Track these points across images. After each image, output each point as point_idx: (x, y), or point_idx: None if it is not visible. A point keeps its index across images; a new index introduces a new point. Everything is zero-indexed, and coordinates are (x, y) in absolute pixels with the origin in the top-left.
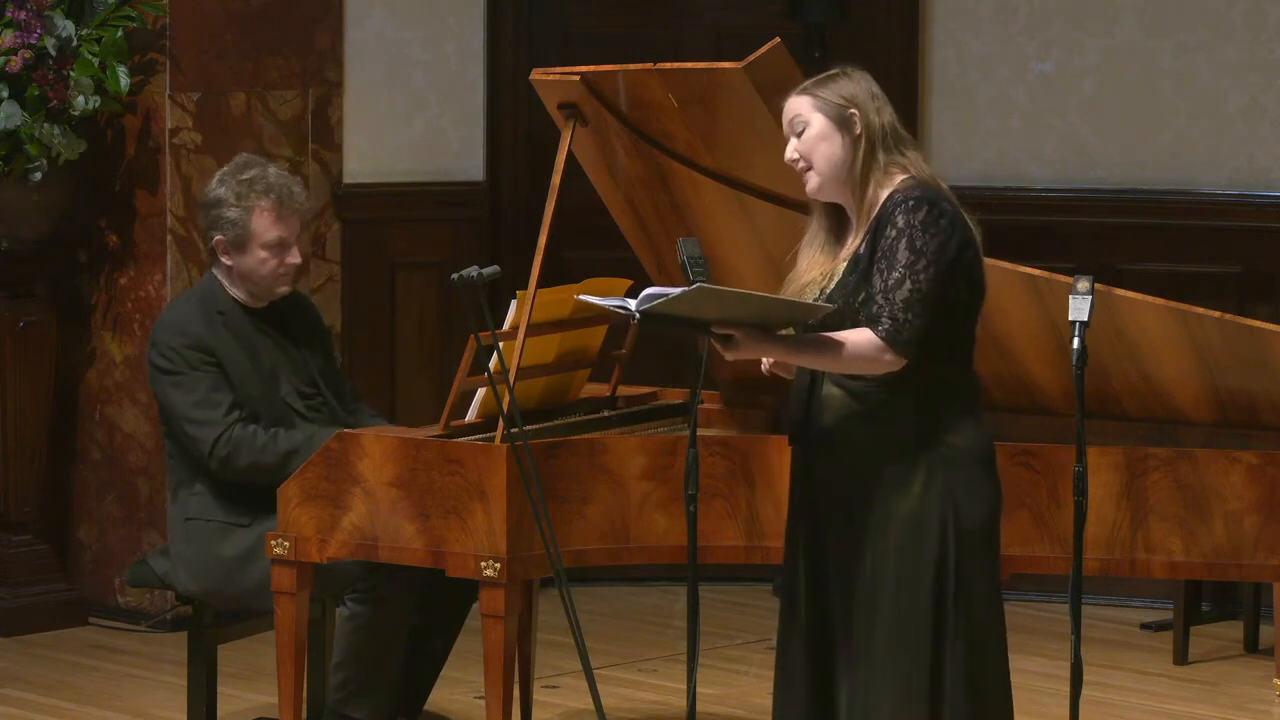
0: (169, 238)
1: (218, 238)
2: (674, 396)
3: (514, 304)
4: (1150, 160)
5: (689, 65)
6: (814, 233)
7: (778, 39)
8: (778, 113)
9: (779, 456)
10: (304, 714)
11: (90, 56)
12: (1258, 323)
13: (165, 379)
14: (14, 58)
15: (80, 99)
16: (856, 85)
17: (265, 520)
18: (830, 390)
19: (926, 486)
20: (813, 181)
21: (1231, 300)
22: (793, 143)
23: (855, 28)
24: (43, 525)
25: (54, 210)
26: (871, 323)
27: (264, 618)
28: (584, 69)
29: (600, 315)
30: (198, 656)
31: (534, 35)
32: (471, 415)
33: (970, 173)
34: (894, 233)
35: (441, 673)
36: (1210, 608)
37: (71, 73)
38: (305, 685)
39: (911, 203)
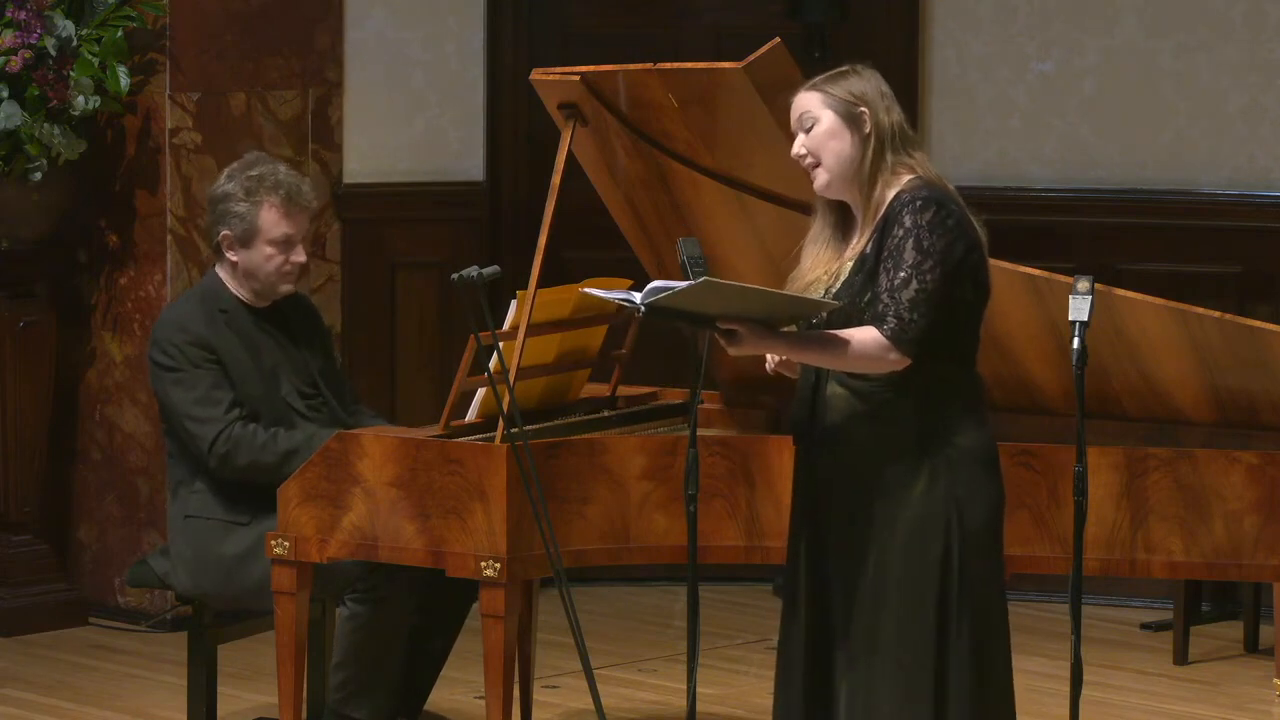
0: (169, 238)
1: (224, 232)
2: (674, 396)
3: (514, 304)
4: (1150, 160)
5: (689, 65)
6: (818, 230)
7: (778, 39)
8: (783, 110)
9: (779, 456)
10: (304, 714)
11: (90, 56)
12: (1258, 323)
13: (166, 376)
14: (14, 58)
15: (80, 99)
16: (866, 83)
17: (265, 519)
18: (834, 390)
19: (930, 487)
20: (820, 178)
21: (1231, 300)
22: (800, 138)
23: (855, 28)
24: (43, 525)
25: (54, 210)
26: (877, 321)
27: (264, 618)
28: (584, 69)
29: (600, 315)
30: (198, 656)
31: (534, 35)
32: (471, 415)
33: (970, 173)
34: (901, 232)
35: (441, 673)
36: (1210, 608)
37: (71, 73)
38: (305, 685)
39: (919, 203)
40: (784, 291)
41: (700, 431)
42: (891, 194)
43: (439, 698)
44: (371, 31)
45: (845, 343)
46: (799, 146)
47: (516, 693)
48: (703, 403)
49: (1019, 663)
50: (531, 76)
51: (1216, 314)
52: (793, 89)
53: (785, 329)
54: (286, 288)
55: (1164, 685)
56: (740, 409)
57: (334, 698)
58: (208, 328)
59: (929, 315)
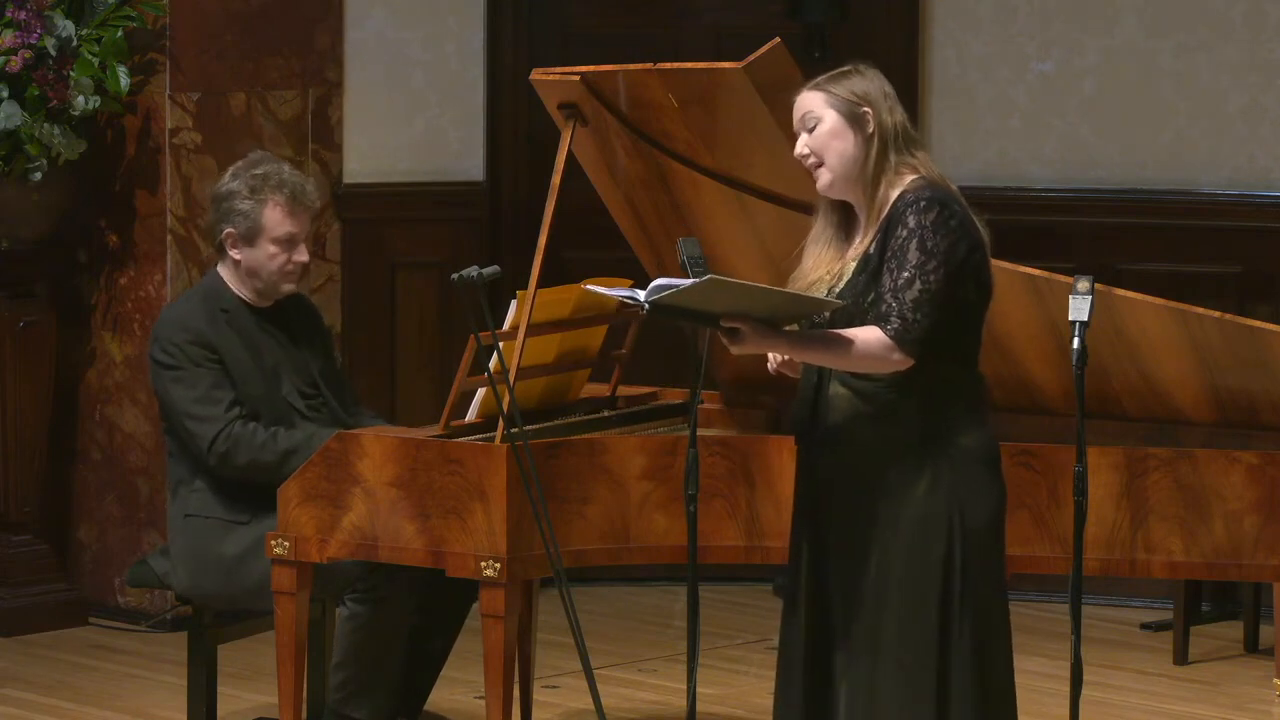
0: (169, 238)
1: (227, 230)
2: (674, 396)
3: (514, 304)
4: (1150, 160)
5: (689, 65)
6: (819, 230)
7: (778, 39)
8: (783, 109)
9: (779, 456)
10: (304, 714)
11: (90, 56)
12: (1258, 323)
13: (167, 374)
14: (14, 58)
15: (80, 99)
16: (870, 83)
17: (265, 518)
18: (837, 390)
19: (933, 487)
20: (823, 178)
21: (1231, 300)
22: (803, 138)
23: (855, 28)
24: (43, 525)
25: (54, 210)
26: (880, 321)
27: (264, 618)
28: (584, 69)
29: (600, 315)
30: (198, 656)
31: (534, 35)
32: (471, 415)
33: (970, 173)
34: (905, 233)
35: (441, 673)
36: (1210, 608)
37: (71, 73)
38: (305, 685)
39: (923, 204)
40: (788, 290)
41: (700, 431)
42: (895, 194)
43: (439, 698)
44: (371, 31)
45: (849, 342)
46: (802, 146)
47: (516, 693)
48: (703, 403)
49: (1019, 663)
50: (531, 76)
51: (1216, 314)
52: (793, 89)
53: (787, 328)
54: (288, 287)
55: (1164, 685)
56: (740, 409)
57: (334, 698)
58: (209, 326)
59: (932, 316)
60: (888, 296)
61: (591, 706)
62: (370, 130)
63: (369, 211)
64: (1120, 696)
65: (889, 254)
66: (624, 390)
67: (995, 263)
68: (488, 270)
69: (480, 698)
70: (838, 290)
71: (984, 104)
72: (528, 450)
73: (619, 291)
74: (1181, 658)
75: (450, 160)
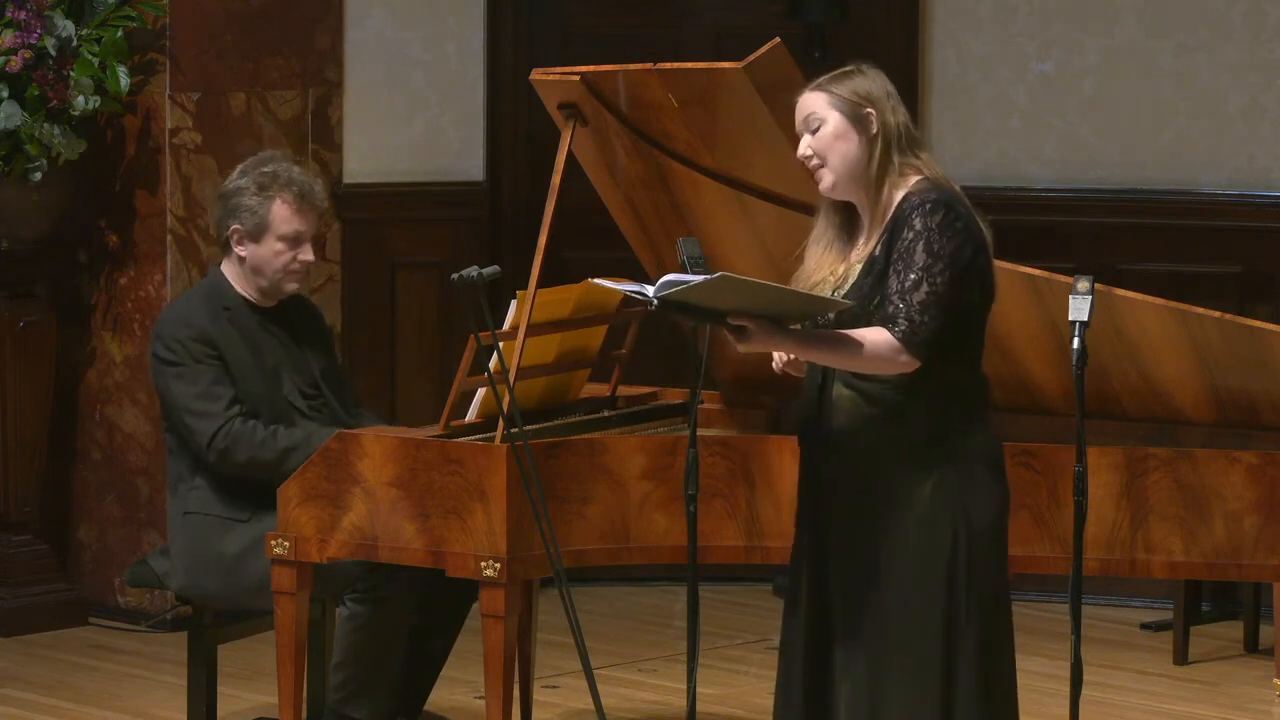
0: (169, 238)
1: (234, 226)
2: (674, 396)
3: (514, 304)
4: (1150, 160)
5: (689, 65)
6: (821, 231)
7: (778, 39)
8: (783, 110)
9: (779, 456)
10: (304, 714)
11: (90, 56)
12: (1258, 323)
13: (168, 370)
14: (14, 58)
15: (80, 99)
16: (872, 83)
17: (265, 516)
18: (841, 391)
19: (937, 488)
20: (826, 180)
21: (1231, 300)
22: (806, 139)
23: (855, 28)
24: (43, 525)
25: (54, 210)
26: (887, 323)
27: (264, 618)
28: (584, 69)
29: (600, 315)
30: (198, 656)
31: (534, 35)
32: (471, 415)
33: (970, 173)
34: (911, 235)
35: (441, 673)
36: (1210, 608)
37: (71, 73)
38: (305, 685)
39: (929, 206)
40: (798, 289)
41: (700, 431)
42: (899, 195)
43: (439, 698)
44: (371, 31)
45: (856, 343)
46: (805, 148)
47: (516, 693)
48: (703, 403)
49: (1019, 663)
50: (531, 76)
51: (1216, 314)
52: (793, 89)
53: (792, 327)
54: (292, 286)
55: (1164, 685)
56: (740, 409)
57: (334, 698)
58: (211, 324)
59: (939, 318)
60: (895, 298)
61: (591, 706)
62: (370, 130)
63: (369, 211)
64: (1120, 696)
65: (895, 256)
66: (624, 390)
67: (995, 263)
68: (488, 270)
69: (480, 698)
70: (843, 292)
71: (984, 104)
72: (528, 450)
73: (627, 286)
74: (1181, 658)
75: (450, 160)
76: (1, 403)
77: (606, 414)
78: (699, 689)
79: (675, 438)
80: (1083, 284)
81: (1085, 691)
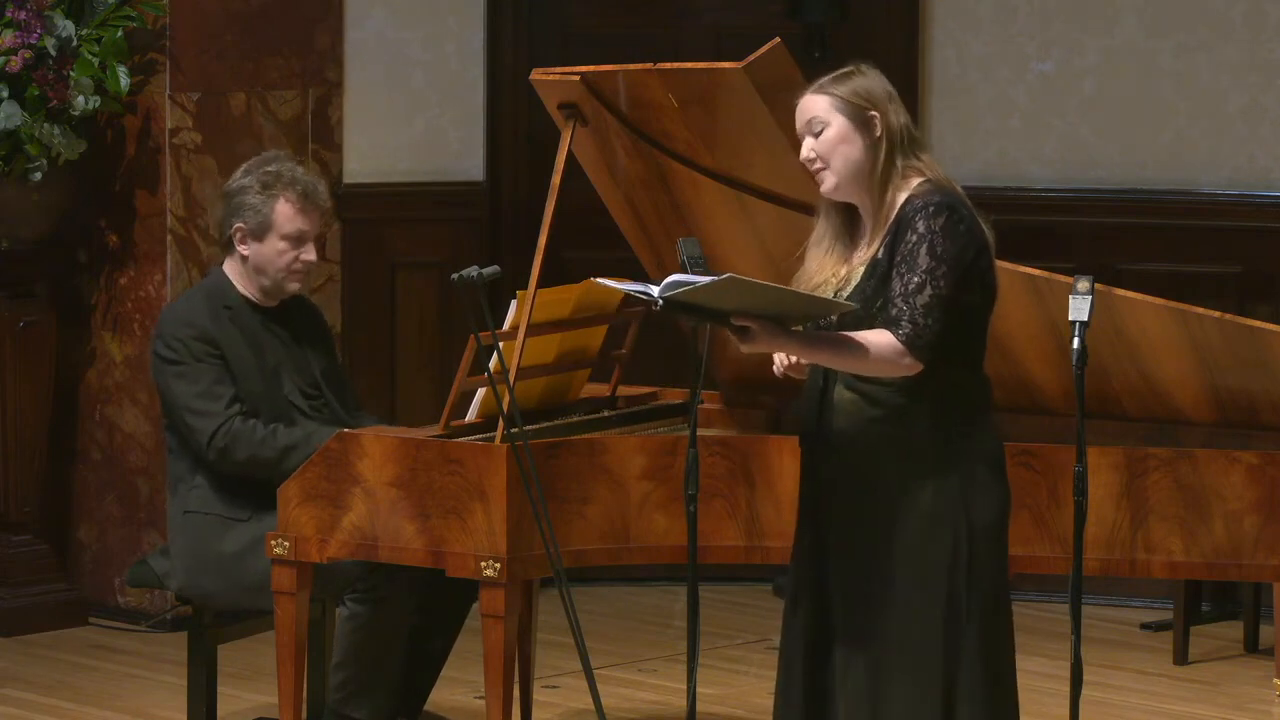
0: (169, 238)
1: (237, 225)
2: (674, 396)
3: (514, 304)
4: (1150, 160)
5: (689, 65)
6: (821, 232)
7: (778, 39)
8: (784, 110)
9: (779, 456)
10: (304, 714)
11: (90, 56)
12: (1258, 323)
13: (169, 369)
14: (14, 58)
15: (80, 99)
16: (874, 84)
17: (265, 515)
18: (842, 393)
19: (939, 489)
20: (828, 182)
21: (1231, 300)
22: (809, 142)
23: (855, 28)
24: (43, 525)
25: (54, 210)
26: (890, 325)
27: (264, 618)
28: (584, 69)
29: (600, 315)
30: (198, 656)
31: (534, 35)
32: (471, 415)
33: (970, 173)
34: (914, 238)
35: (441, 673)
36: (1210, 608)
37: (71, 73)
38: (305, 685)
39: (932, 208)
40: (803, 291)
41: (700, 431)
42: (902, 198)
43: (439, 698)
44: (371, 31)
45: (859, 345)
46: (808, 151)
47: (516, 693)
48: (703, 403)
49: (1019, 663)
50: (531, 76)
51: (1216, 314)
52: (793, 89)
53: (795, 328)
54: (294, 286)
55: (1164, 685)
56: (740, 409)
57: (334, 698)
58: (212, 323)
59: (943, 320)
60: (898, 301)
61: (591, 706)
62: (370, 130)
63: (369, 211)
64: (1120, 696)
65: (899, 258)
66: (624, 390)
67: (996, 263)
68: (488, 270)
69: (480, 698)
70: (845, 294)
71: (984, 104)
72: (528, 450)
73: (632, 286)
74: (1181, 658)
75: (450, 160)
76: (1, 403)
77: (606, 414)
78: (699, 689)
79: (675, 438)
80: (1083, 284)
81: (1085, 691)
